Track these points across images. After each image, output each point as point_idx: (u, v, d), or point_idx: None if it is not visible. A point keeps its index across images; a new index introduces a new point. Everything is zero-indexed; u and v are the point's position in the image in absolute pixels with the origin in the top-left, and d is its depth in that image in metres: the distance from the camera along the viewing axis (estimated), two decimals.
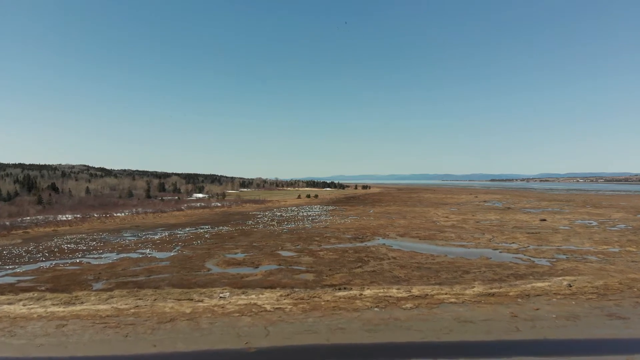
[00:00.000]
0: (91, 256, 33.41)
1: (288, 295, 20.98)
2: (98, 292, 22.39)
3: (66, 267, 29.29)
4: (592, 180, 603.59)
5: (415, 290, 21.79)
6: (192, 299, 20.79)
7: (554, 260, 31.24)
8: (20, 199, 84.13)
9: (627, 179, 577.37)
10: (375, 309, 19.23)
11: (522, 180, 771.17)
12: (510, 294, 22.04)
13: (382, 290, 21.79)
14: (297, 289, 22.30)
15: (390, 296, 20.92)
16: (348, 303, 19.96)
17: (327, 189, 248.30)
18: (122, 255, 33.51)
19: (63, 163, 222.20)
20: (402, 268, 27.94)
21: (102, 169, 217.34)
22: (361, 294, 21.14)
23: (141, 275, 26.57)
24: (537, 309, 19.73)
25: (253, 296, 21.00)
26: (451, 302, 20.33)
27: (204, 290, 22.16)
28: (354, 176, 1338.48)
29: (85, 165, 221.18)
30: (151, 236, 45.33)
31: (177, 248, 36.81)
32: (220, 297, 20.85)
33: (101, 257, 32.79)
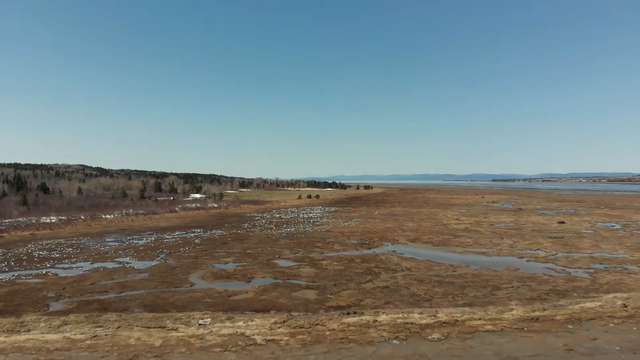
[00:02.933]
0: (61, 266, 29.22)
1: (284, 322, 16.82)
2: (51, 316, 18.28)
3: (27, 280, 25.17)
4: (594, 181, 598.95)
5: (442, 315, 17.64)
6: (164, 327, 16.70)
7: (592, 271, 27.17)
8: (5, 200, 79.95)
9: (630, 179, 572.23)
10: (395, 341, 15.20)
11: (524, 180, 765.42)
12: (557, 317, 18.07)
13: (400, 315, 17.63)
14: (295, 313, 18.15)
15: (411, 323, 16.79)
16: (360, 333, 15.86)
17: (329, 189, 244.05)
18: (96, 265, 29.32)
19: (60, 163, 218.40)
20: (420, 283, 23.73)
21: (99, 169, 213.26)
22: (375, 321, 16.98)
23: (111, 291, 22.44)
24: (595, 339, 16.00)
25: (240, 323, 16.86)
26: (488, 331, 16.42)
27: (181, 314, 18.01)
28: (355, 176, 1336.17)
29: (81, 165, 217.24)
30: (135, 241, 41.09)
31: (161, 256, 32.57)
32: (200, 324, 16.72)
33: (72, 268, 28.62)
